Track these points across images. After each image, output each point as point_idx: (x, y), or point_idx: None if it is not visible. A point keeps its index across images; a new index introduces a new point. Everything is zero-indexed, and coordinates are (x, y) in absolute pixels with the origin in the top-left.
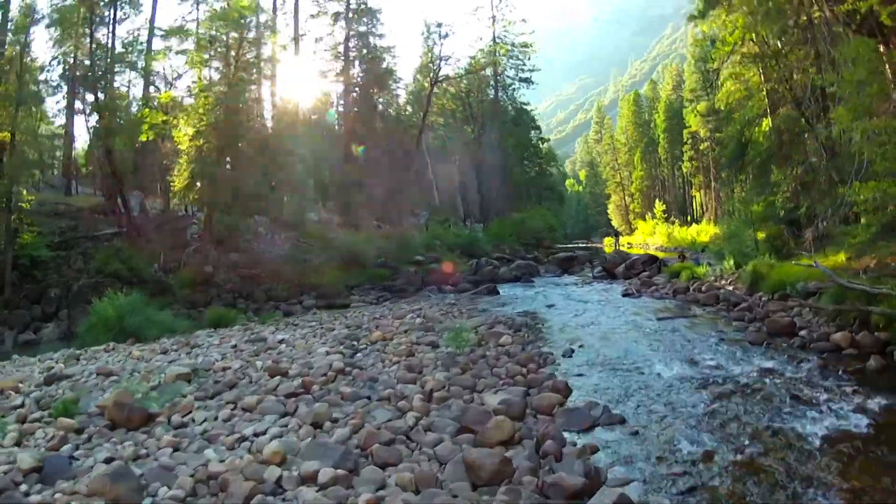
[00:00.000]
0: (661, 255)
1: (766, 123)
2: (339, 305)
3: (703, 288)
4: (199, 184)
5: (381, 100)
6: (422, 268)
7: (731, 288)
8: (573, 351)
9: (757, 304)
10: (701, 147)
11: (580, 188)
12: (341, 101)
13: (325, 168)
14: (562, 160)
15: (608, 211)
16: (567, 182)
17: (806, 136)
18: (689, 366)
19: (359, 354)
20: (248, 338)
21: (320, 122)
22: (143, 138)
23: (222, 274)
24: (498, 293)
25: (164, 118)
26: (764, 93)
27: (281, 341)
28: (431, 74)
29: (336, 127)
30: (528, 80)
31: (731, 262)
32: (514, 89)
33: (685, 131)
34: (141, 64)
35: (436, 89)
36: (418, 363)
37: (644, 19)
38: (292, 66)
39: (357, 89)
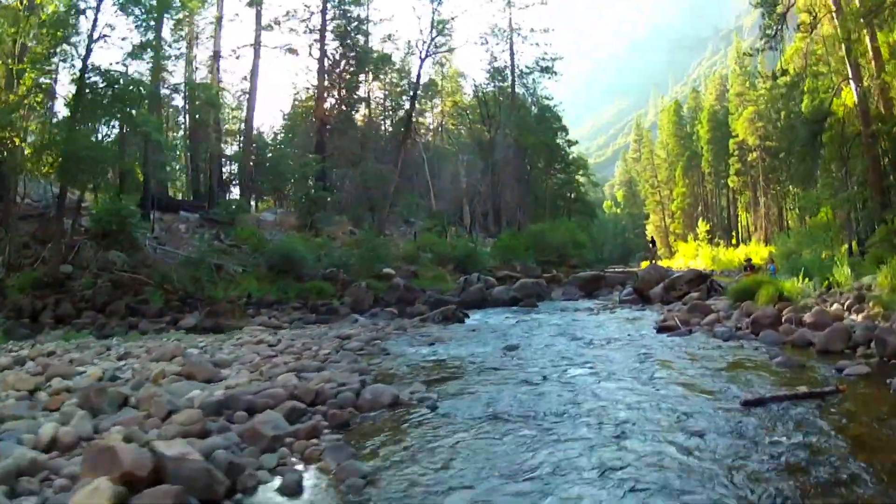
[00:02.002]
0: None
1: (848, 94)
2: (229, 327)
3: (808, 318)
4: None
5: (367, 82)
6: (386, 283)
7: (858, 317)
8: None
9: None
10: (749, 158)
11: (618, 210)
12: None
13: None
14: (601, 183)
15: (647, 232)
16: (605, 204)
17: None
18: None
19: None
20: None
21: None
22: None
23: (89, 276)
24: (462, 320)
25: None
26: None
27: None
28: (422, 45)
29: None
30: (549, 70)
31: (846, 270)
32: (534, 81)
33: (731, 141)
34: None
35: (446, 84)
36: None
37: (680, 42)
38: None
39: (330, 67)
